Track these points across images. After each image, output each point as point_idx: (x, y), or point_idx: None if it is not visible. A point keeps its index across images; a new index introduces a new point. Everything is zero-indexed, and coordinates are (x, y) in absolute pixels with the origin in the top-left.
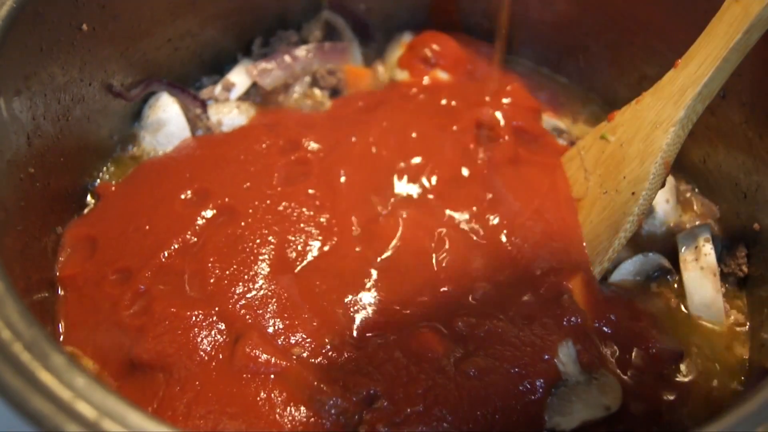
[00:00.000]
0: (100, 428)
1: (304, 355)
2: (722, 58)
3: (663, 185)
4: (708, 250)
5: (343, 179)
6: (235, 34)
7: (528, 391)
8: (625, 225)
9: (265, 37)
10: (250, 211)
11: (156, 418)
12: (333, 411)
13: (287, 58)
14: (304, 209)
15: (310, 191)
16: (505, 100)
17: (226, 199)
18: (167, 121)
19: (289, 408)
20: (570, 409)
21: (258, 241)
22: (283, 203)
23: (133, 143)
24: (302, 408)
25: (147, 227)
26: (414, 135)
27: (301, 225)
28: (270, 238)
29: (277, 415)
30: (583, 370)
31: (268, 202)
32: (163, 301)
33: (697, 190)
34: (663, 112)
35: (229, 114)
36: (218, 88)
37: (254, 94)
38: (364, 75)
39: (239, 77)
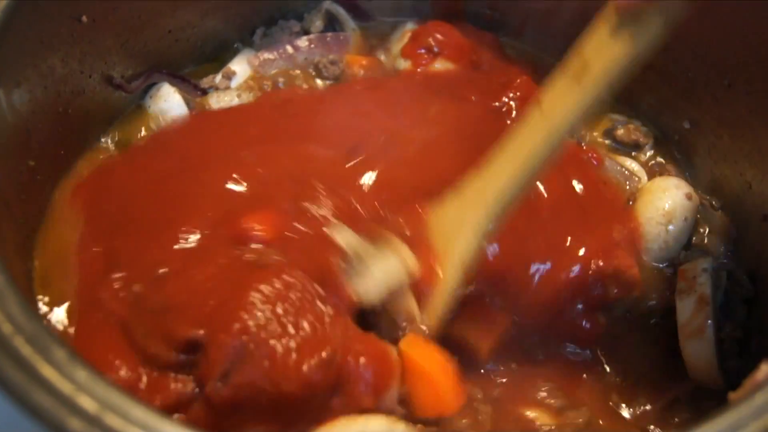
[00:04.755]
0: (101, 422)
1: None
2: (520, 168)
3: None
4: (704, 280)
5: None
6: (236, 25)
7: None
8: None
9: (266, 27)
10: None
11: (159, 412)
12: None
13: (289, 48)
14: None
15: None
16: (511, 94)
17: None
18: (168, 111)
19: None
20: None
21: None
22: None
23: (135, 135)
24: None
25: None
26: (418, 133)
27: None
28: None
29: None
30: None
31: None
32: None
33: (713, 206)
34: (463, 214)
35: (231, 102)
36: (219, 77)
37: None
38: (367, 65)
39: (240, 66)
